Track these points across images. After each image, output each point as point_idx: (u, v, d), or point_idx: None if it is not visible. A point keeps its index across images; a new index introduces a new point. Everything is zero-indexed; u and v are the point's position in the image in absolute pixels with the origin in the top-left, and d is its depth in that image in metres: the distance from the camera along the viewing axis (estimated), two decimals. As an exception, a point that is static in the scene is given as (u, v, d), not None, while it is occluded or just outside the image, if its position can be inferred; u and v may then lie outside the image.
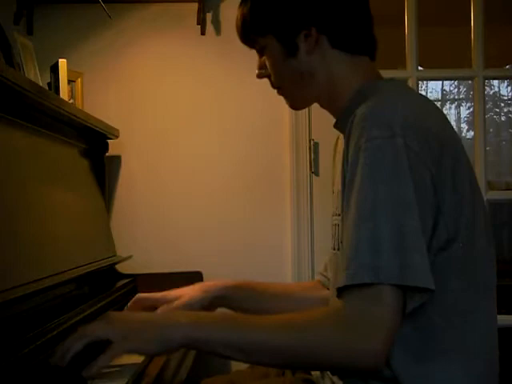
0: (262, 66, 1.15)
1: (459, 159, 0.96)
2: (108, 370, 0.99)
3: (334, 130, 1.16)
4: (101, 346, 0.94)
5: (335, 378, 1.04)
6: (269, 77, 1.15)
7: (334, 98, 1.10)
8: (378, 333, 0.85)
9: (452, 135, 1.00)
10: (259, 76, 1.16)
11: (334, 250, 1.12)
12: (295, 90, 1.12)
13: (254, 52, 2.22)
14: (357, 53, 1.09)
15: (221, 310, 1.28)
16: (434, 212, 0.91)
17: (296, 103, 1.17)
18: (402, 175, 0.88)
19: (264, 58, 1.13)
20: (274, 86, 1.16)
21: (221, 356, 0.91)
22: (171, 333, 0.91)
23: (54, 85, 1.82)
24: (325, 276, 1.30)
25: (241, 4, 1.13)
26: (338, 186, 1.03)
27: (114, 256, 1.78)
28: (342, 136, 1.13)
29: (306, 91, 1.12)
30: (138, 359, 1.07)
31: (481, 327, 0.97)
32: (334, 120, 1.14)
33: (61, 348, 0.95)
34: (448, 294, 0.93)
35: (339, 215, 1.05)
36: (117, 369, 1.02)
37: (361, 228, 0.87)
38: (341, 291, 0.88)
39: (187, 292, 1.28)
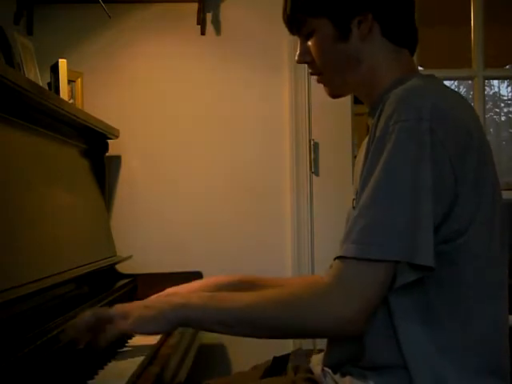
0: (303, 52, 1.13)
1: (485, 159, 0.98)
2: (121, 350, 1.10)
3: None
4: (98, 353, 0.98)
5: (337, 377, 1.05)
6: (309, 63, 1.14)
7: (372, 87, 1.10)
8: (354, 303, 0.91)
9: (481, 135, 1.00)
10: (300, 61, 1.15)
11: None
12: (338, 75, 1.12)
13: (253, 52, 2.21)
14: (401, 45, 1.10)
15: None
16: (450, 201, 0.93)
17: (336, 90, 1.16)
18: (423, 159, 0.91)
19: (307, 43, 1.12)
20: (314, 72, 1.15)
21: (211, 331, 1.02)
22: (166, 314, 1.01)
23: (54, 85, 1.82)
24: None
25: None
26: (357, 177, 1.04)
27: (114, 256, 1.78)
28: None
29: (348, 77, 1.12)
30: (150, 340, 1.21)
31: (483, 327, 0.97)
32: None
33: (69, 324, 1.05)
34: (455, 285, 0.95)
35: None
36: (129, 348, 1.11)
37: (378, 206, 0.91)
38: (342, 258, 0.93)
39: (199, 288, 1.31)
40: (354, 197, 1.15)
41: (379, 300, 0.93)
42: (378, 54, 1.09)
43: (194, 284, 1.35)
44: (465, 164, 0.94)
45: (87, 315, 1.05)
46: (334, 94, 1.17)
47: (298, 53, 1.15)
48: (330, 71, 1.12)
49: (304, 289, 0.99)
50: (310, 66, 1.15)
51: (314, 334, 1.08)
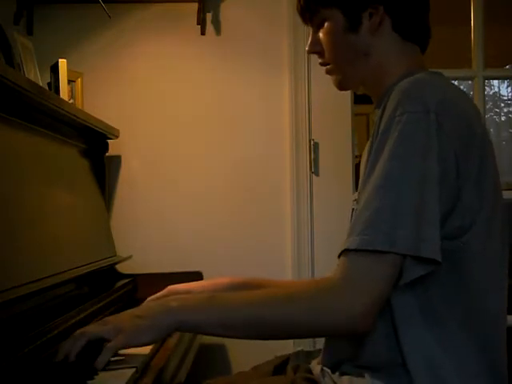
0: (314, 42, 1.14)
1: (487, 156, 0.97)
2: (114, 359, 1.01)
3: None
4: (97, 349, 0.96)
5: (335, 376, 1.04)
6: (319, 53, 1.15)
7: (380, 81, 1.10)
8: (365, 298, 0.89)
9: (483, 131, 1.00)
10: (310, 51, 1.16)
11: None
12: (347, 67, 1.12)
13: (253, 52, 2.21)
14: (412, 40, 1.10)
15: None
16: (453, 197, 0.93)
17: (344, 82, 1.16)
18: (430, 151, 0.90)
19: (318, 33, 1.13)
20: (324, 62, 1.15)
21: (212, 335, 0.96)
22: (162, 319, 0.95)
23: (54, 85, 1.82)
24: None
25: None
26: (363, 170, 1.03)
27: (114, 256, 1.78)
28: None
29: (356, 70, 1.12)
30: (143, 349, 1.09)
31: (482, 326, 0.97)
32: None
33: (60, 351, 0.97)
34: (456, 285, 0.95)
35: (355, 200, 1.07)
36: (121, 357, 1.02)
37: (384, 196, 0.90)
38: (347, 251, 0.91)
39: (200, 288, 1.30)
40: (356, 197, 1.14)
41: (387, 294, 0.91)
42: (387, 48, 1.09)
43: (196, 283, 1.34)
44: (468, 159, 0.94)
45: (78, 340, 0.96)
46: (342, 86, 1.17)
47: (308, 42, 1.15)
48: (339, 62, 1.13)
49: (313, 287, 0.97)
50: (319, 56, 1.16)
51: (324, 332, 1.04)
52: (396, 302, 0.95)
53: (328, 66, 1.15)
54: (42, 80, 1.83)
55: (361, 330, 0.92)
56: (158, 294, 1.31)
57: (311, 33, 1.15)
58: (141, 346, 0.99)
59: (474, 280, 0.96)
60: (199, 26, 2.08)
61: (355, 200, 1.09)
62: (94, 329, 0.98)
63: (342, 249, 0.92)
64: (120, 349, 0.96)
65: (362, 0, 1.07)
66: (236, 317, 0.95)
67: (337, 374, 1.04)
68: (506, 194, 1.36)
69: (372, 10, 1.07)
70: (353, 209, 1.12)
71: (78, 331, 0.99)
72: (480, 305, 0.97)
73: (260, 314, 0.94)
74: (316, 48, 1.14)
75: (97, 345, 0.97)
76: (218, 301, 0.98)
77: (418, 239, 0.88)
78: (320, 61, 1.17)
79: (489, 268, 0.98)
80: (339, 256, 0.94)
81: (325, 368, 1.08)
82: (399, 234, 0.88)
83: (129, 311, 1.02)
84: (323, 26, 1.11)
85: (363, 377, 0.98)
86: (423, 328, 0.95)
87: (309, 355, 1.26)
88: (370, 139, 1.01)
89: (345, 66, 1.12)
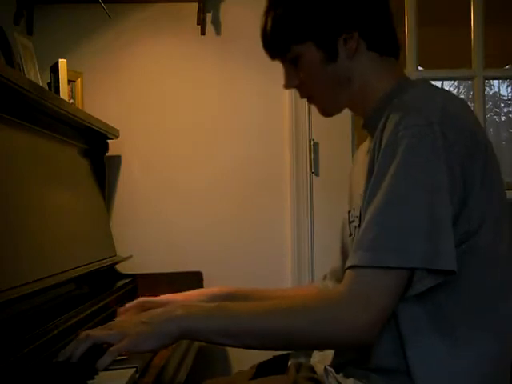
0: (290, 77, 1.12)
1: (490, 159, 0.97)
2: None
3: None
4: (98, 353, 0.96)
5: (339, 377, 1.04)
6: (297, 87, 1.13)
7: (365, 101, 1.09)
8: (372, 311, 0.89)
9: (484, 135, 1.01)
10: (287, 87, 1.14)
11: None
12: (330, 95, 1.10)
13: (253, 52, 2.21)
14: (387, 54, 1.10)
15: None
16: (459, 204, 0.93)
17: (329, 109, 1.14)
18: (437, 163, 0.90)
19: (293, 67, 1.10)
20: (303, 95, 1.14)
21: (216, 343, 0.96)
22: (167, 326, 0.95)
23: (54, 85, 1.82)
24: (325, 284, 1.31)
25: (268, 11, 1.12)
26: (361, 189, 1.02)
27: (114, 256, 1.78)
28: (363, 144, 1.14)
29: (341, 96, 1.10)
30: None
31: (494, 328, 0.97)
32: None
33: (63, 352, 0.98)
34: (465, 289, 0.95)
35: (357, 217, 1.06)
36: (123, 357, 1.01)
37: (392, 212, 0.90)
38: (355, 267, 0.91)
39: (189, 297, 1.29)
40: (349, 209, 1.14)
41: (394, 306, 0.91)
42: (367, 67, 1.08)
43: (191, 293, 1.34)
44: (473, 166, 0.94)
45: (83, 342, 0.97)
46: (327, 113, 1.15)
47: (284, 78, 1.13)
48: (322, 93, 1.11)
49: (317, 298, 0.97)
50: (298, 90, 1.14)
51: (327, 345, 1.04)
52: (402, 311, 0.94)
53: (309, 98, 1.14)
54: (42, 80, 1.83)
55: (366, 342, 0.92)
56: (128, 305, 1.30)
57: (284, 68, 1.12)
58: (144, 352, 0.99)
59: (483, 282, 0.96)
60: (199, 26, 2.08)
61: (356, 216, 1.08)
62: (98, 332, 0.99)
63: (351, 264, 0.92)
64: (122, 353, 0.97)
65: (335, 28, 1.05)
66: (240, 326, 0.95)
67: (341, 374, 1.04)
68: (507, 194, 1.37)
69: (346, 36, 1.05)
70: (350, 221, 1.12)
71: (83, 334, 1.00)
72: (490, 306, 0.97)
73: (265, 324, 0.94)
74: (294, 83, 1.12)
75: (99, 348, 0.98)
76: (222, 310, 0.97)
77: (432, 252, 0.88)
78: (300, 94, 1.14)
79: (496, 269, 0.98)
80: (345, 269, 0.93)
81: (328, 367, 1.08)
82: (411, 248, 0.88)
83: (134, 316, 1.03)
84: (298, 61, 1.08)
85: (368, 379, 0.98)
86: (431, 335, 0.94)
87: (308, 356, 1.26)
88: (369, 153, 1.01)
89: (328, 94, 1.10)
